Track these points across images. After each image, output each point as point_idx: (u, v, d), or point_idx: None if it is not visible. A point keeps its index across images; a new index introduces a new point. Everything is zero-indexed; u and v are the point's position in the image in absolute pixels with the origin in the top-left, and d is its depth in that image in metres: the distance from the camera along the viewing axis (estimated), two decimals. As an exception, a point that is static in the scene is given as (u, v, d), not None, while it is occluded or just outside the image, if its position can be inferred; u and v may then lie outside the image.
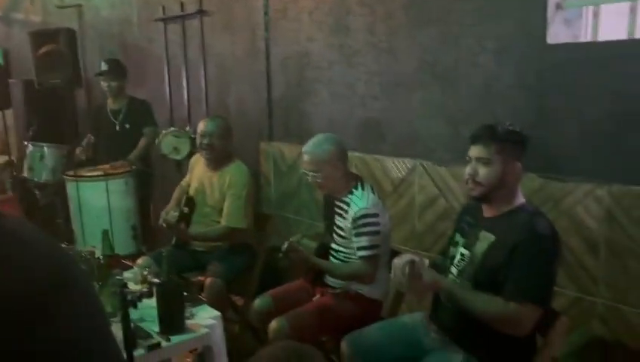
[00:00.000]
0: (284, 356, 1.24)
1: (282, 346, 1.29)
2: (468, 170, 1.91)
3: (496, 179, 1.86)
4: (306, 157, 2.46)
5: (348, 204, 2.45)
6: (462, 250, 1.98)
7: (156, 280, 2.00)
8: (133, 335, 1.75)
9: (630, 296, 2.13)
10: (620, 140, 2.10)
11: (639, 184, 2.06)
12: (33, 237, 0.63)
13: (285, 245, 2.40)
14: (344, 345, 2.19)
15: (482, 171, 1.87)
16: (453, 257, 2.03)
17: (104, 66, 4.08)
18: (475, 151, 1.89)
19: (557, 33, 2.27)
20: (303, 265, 2.46)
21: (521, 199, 1.92)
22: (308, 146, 2.47)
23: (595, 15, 2.27)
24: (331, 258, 2.57)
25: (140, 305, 2.09)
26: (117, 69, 4.07)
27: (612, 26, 2.18)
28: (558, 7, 2.26)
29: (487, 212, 1.96)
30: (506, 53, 2.39)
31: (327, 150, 2.43)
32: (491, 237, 1.87)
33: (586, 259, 2.24)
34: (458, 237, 2.04)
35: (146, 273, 2.19)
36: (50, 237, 0.67)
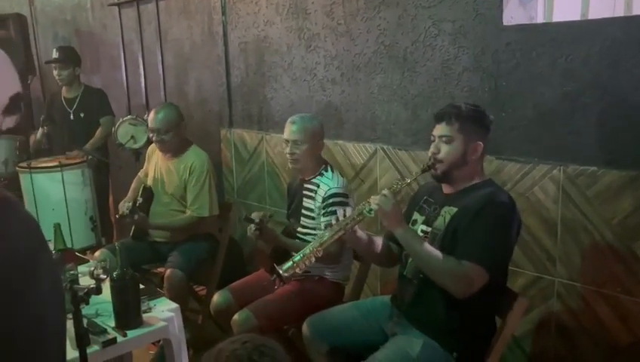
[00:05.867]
0: (246, 353, 1.18)
1: (243, 341, 1.23)
2: (431, 148, 1.91)
3: (456, 157, 1.86)
4: (293, 127, 2.44)
5: (318, 185, 2.46)
6: (422, 227, 1.98)
7: (103, 276, 1.93)
8: (85, 333, 1.69)
9: (585, 274, 2.16)
10: (574, 120, 2.11)
11: (593, 164, 2.08)
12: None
13: (257, 216, 2.34)
14: (305, 327, 2.17)
15: (444, 149, 1.87)
16: None
17: (55, 54, 3.94)
18: (438, 129, 1.90)
19: (512, 15, 2.27)
20: (272, 241, 2.42)
21: (483, 177, 1.93)
22: (296, 117, 2.48)
23: (549, -4, 2.27)
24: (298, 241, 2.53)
25: (95, 299, 2.02)
26: (68, 57, 3.94)
27: (566, 7, 2.18)
28: (513, -12, 2.26)
29: (447, 189, 1.96)
30: (463, 35, 2.38)
31: (316, 125, 2.48)
32: (453, 210, 1.88)
33: (544, 239, 2.26)
34: (417, 216, 2.04)
35: (93, 268, 2.12)
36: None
